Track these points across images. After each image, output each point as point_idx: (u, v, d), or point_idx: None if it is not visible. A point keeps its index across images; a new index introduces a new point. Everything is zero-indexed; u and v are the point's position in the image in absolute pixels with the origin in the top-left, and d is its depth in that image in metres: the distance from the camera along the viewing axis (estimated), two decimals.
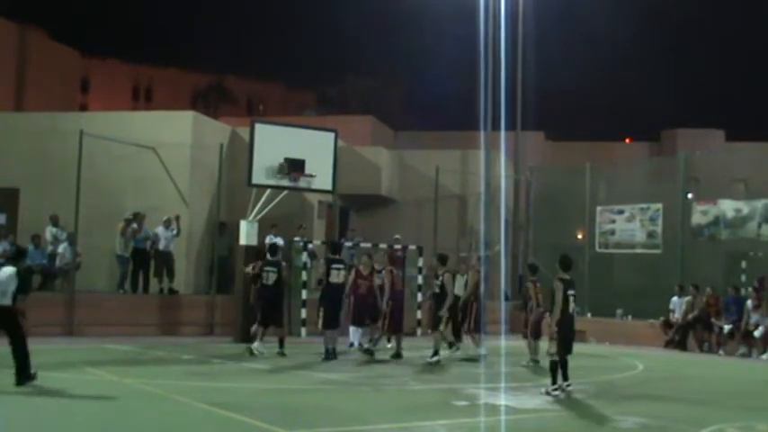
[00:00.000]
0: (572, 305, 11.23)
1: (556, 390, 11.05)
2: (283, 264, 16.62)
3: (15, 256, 11.66)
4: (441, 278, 15.02)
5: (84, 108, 54.84)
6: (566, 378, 11.20)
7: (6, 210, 21.64)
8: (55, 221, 19.41)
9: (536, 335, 15.18)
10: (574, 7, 39.97)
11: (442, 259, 15.42)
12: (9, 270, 10.94)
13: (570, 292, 11.21)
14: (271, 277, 15.38)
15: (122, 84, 68.67)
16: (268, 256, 16.02)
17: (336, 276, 15.05)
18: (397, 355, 15.48)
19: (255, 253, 17.59)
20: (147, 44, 78.63)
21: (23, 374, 10.64)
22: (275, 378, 12.67)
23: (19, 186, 21.83)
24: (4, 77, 38.84)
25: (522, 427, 9.31)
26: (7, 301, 10.74)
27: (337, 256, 15.57)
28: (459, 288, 16.42)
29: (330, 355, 14.80)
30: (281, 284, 15.80)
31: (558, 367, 11.12)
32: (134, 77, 71.09)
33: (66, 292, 18.28)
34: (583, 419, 9.92)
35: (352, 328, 16.59)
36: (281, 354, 14.97)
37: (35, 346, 15.01)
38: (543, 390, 11.29)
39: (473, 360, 15.64)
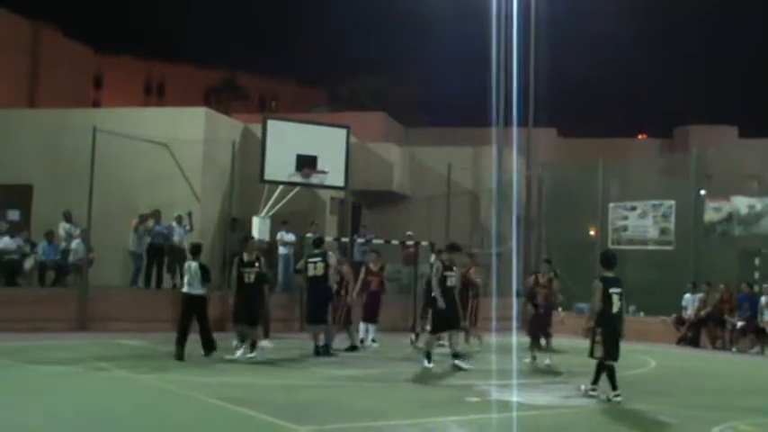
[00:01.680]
0: (616, 304, 10.57)
1: (594, 390, 10.77)
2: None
3: (194, 252, 13.57)
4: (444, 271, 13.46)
5: (96, 104, 55.10)
6: (614, 387, 10.52)
7: (20, 206, 21.77)
8: (68, 217, 19.51)
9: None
10: (586, 3, 39.73)
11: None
12: (194, 264, 13.22)
13: (614, 290, 10.60)
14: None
15: (135, 80, 68.81)
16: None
17: (313, 270, 14.64)
18: (353, 348, 15.52)
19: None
20: (159, 41, 78.72)
21: (210, 348, 13.38)
22: (286, 374, 12.69)
23: (32, 183, 22.00)
24: (17, 74, 39.10)
25: (533, 424, 9.27)
26: (200, 290, 13.19)
27: (316, 251, 15.04)
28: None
29: (322, 350, 14.51)
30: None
31: (604, 369, 10.60)
32: (147, 74, 71.21)
33: (79, 288, 18.36)
34: (595, 416, 9.90)
35: (362, 325, 16.63)
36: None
37: (48, 341, 15.23)
38: (582, 387, 11.09)
39: (471, 358, 15.64)
